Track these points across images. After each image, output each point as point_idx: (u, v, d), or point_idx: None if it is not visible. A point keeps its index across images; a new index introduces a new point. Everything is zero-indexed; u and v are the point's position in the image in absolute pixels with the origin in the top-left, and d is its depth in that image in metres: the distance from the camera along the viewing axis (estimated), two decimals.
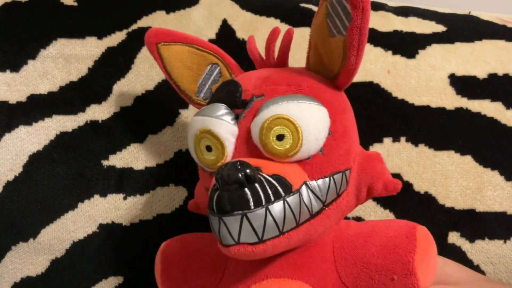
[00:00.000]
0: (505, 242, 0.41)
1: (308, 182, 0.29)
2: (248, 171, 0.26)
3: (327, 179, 0.29)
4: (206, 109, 0.31)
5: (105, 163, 0.45)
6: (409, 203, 0.42)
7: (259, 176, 0.27)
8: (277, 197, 0.27)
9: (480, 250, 0.41)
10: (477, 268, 0.42)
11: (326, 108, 0.30)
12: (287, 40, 0.35)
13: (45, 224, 0.44)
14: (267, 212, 0.26)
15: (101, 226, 0.44)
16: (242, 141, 0.30)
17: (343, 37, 0.29)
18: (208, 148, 0.30)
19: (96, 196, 0.44)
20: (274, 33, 0.35)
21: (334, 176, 0.30)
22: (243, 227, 0.26)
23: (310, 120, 0.29)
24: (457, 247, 0.42)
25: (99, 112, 0.45)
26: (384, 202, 0.42)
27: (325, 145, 0.29)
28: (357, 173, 0.31)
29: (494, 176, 0.42)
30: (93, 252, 0.44)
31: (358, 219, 0.43)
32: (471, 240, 0.42)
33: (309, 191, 0.29)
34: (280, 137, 0.28)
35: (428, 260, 0.29)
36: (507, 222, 0.41)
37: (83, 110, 0.45)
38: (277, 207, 0.26)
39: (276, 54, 0.35)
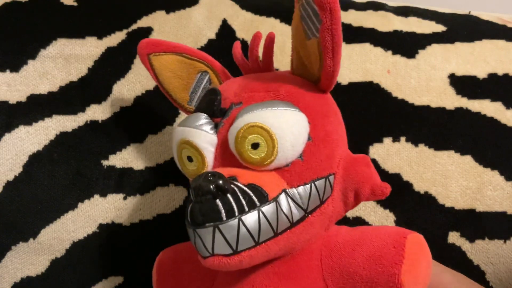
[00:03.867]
0: (505, 242, 0.41)
1: (287, 190, 0.28)
2: (220, 182, 0.25)
3: (308, 186, 0.29)
4: (187, 119, 0.31)
5: (105, 163, 0.45)
6: (409, 203, 0.42)
7: (233, 186, 0.26)
8: (252, 207, 0.26)
9: (480, 250, 0.41)
10: (477, 268, 0.42)
11: (305, 113, 0.29)
12: (269, 44, 0.35)
13: (45, 224, 0.44)
14: (240, 223, 0.26)
15: (101, 226, 0.44)
16: (221, 150, 0.30)
17: (317, 39, 0.28)
18: (189, 159, 0.30)
19: (96, 196, 0.44)
20: (255, 38, 0.35)
21: (316, 183, 0.29)
22: (216, 239, 0.26)
23: (285, 127, 0.28)
24: (457, 247, 0.42)
25: (99, 112, 0.45)
26: (384, 202, 0.42)
27: (305, 151, 0.29)
28: (342, 178, 0.30)
29: (494, 176, 0.42)
30: (93, 252, 0.44)
31: (358, 219, 0.43)
32: (471, 240, 0.42)
33: (289, 199, 0.28)
34: (255, 146, 0.28)
35: (417, 272, 0.27)
36: (507, 222, 0.41)
37: (83, 110, 0.45)
38: (251, 218, 0.26)
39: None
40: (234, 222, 0.25)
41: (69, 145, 0.45)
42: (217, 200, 0.25)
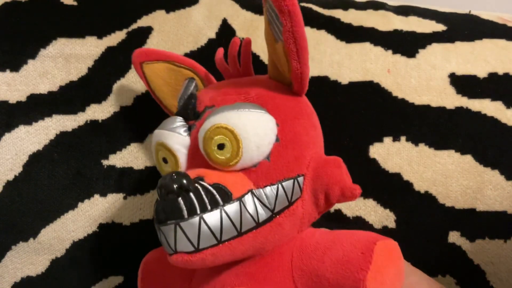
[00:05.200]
0: (505, 241, 0.41)
1: (253, 190, 0.29)
2: (184, 181, 0.26)
3: (274, 186, 0.29)
4: (164, 122, 0.32)
5: (105, 162, 0.44)
6: (410, 202, 0.42)
7: (196, 185, 0.27)
8: (214, 205, 0.27)
9: (480, 249, 0.41)
10: (477, 268, 0.42)
11: (274, 115, 0.30)
12: (246, 50, 0.36)
13: (45, 223, 0.44)
14: (201, 221, 0.26)
15: (101, 226, 0.44)
16: (193, 151, 0.31)
17: (282, 42, 0.29)
18: (165, 160, 0.31)
19: (96, 196, 0.44)
20: (233, 44, 0.36)
21: (283, 183, 0.29)
22: (177, 236, 0.26)
23: (249, 128, 0.29)
24: (457, 246, 0.42)
25: (99, 111, 0.45)
26: (384, 201, 0.42)
27: (272, 152, 0.29)
28: (312, 179, 0.30)
29: (494, 176, 0.42)
30: (93, 252, 0.44)
31: (358, 218, 0.43)
32: (472, 239, 0.42)
33: (255, 199, 0.28)
34: (221, 146, 0.29)
35: (384, 279, 0.27)
36: (508, 221, 0.41)
37: (83, 110, 0.45)
38: (213, 216, 0.26)
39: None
40: (195, 220, 0.26)
41: (69, 144, 0.45)
42: (180, 199, 0.26)
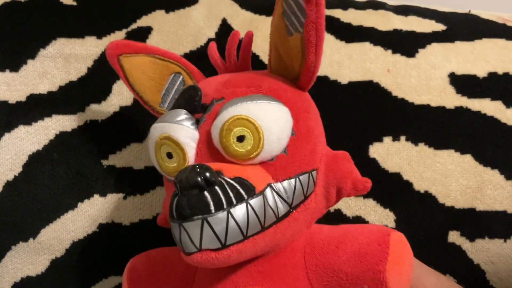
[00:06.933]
0: (505, 241, 0.41)
1: (272, 184, 0.28)
2: (207, 174, 0.25)
3: (292, 180, 0.29)
4: (165, 115, 0.30)
5: (105, 162, 0.44)
6: (409, 202, 0.42)
7: (220, 179, 0.26)
8: (240, 200, 0.26)
9: (480, 249, 0.41)
10: (477, 267, 0.42)
11: (288, 108, 0.29)
12: (247, 43, 0.35)
13: (45, 224, 0.44)
14: (229, 215, 0.25)
15: (101, 226, 0.44)
16: (203, 145, 0.29)
17: (300, 34, 0.28)
18: (169, 155, 0.30)
19: (96, 196, 0.44)
20: (233, 36, 0.35)
21: (300, 177, 0.29)
22: (204, 232, 0.25)
23: (270, 119, 0.28)
24: (457, 246, 0.42)
25: (98, 111, 0.45)
26: (384, 201, 0.42)
27: (289, 145, 0.29)
28: (324, 173, 0.30)
29: (494, 175, 0.42)
30: (93, 252, 0.44)
31: (358, 218, 0.43)
32: (471, 239, 0.42)
33: (274, 193, 0.28)
34: (241, 138, 0.28)
35: (401, 269, 0.27)
36: (507, 221, 0.41)
37: (82, 110, 0.45)
38: (239, 210, 0.25)
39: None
40: (223, 214, 0.25)
41: (69, 145, 0.45)
42: (205, 192, 0.25)
